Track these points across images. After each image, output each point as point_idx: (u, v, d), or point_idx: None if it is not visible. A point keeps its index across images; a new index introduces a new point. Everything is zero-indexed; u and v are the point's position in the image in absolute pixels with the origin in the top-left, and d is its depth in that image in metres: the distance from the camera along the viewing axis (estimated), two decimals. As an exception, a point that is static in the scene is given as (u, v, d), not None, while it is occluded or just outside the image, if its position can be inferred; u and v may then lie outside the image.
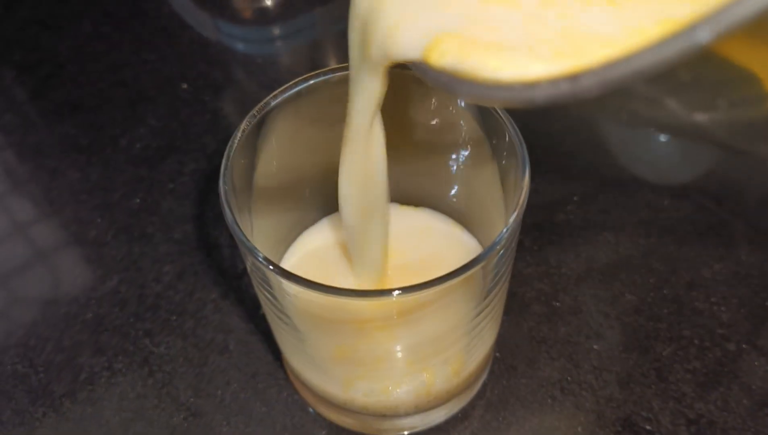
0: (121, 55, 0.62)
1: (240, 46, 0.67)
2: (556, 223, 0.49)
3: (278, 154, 0.35)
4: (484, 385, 0.42)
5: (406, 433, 0.40)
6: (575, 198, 0.50)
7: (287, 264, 0.40)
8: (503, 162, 0.33)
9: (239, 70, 0.63)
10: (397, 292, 0.26)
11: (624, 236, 0.48)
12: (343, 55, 0.28)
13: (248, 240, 0.28)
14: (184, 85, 0.59)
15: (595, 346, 0.43)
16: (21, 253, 0.49)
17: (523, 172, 0.30)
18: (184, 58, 0.61)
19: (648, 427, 0.40)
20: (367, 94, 0.24)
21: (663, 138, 0.55)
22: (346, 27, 0.24)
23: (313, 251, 0.39)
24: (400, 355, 0.33)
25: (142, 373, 0.43)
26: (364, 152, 0.27)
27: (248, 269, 0.32)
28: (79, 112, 0.57)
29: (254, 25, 0.68)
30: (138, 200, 0.51)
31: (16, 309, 0.46)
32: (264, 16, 0.68)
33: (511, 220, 0.28)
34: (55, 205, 0.51)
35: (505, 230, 0.28)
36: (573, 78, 0.18)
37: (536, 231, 0.48)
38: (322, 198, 0.38)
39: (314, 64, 0.64)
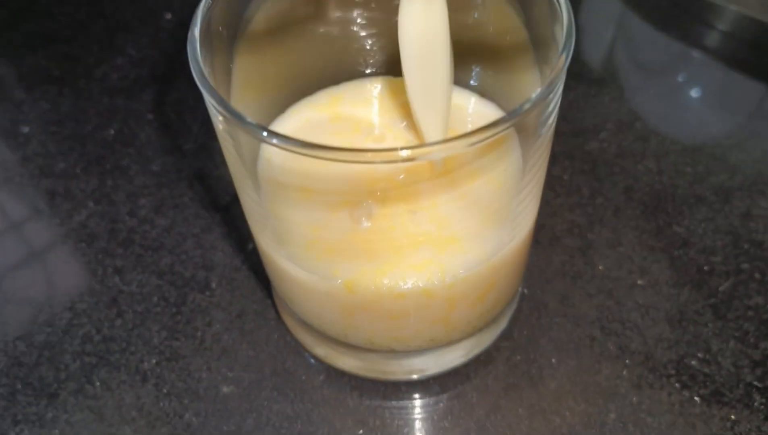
0: (101, -12, 0.56)
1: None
2: (588, 152, 0.43)
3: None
4: (510, 323, 0.35)
5: (415, 377, 0.33)
6: (609, 125, 0.44)
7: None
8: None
9: None
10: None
11: (667, 164, 0.42)
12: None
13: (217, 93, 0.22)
14: (168, 15, 0.53)
15: (639, 282, 0.37)
16: (-21, 189, 0.43)
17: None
18: (169, -11, 0.56)
19: (706, 370, 0.33)
20: None
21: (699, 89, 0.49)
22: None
23: (309, 120, 0.32)
24: (419, 233, 0.27)
25: (109, 314, 0.37)
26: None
27: (223, 147, 0.26)
28: (52, 44, 0.51)
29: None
30: (112, 131, 0.45)
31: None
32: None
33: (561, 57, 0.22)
34: (20, 137, 0.45)
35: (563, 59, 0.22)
36: None
37: (566, 160, 0.42)
38: (318, 70, 0.32)
39: None
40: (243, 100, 0.29)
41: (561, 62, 0.23)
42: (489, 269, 0.27)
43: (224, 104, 0.22)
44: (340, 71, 0.34)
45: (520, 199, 0.26)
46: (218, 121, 0.24)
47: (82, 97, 0.47)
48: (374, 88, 0.34)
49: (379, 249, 0.27)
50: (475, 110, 0.33)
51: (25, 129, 0.46)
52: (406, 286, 0.26)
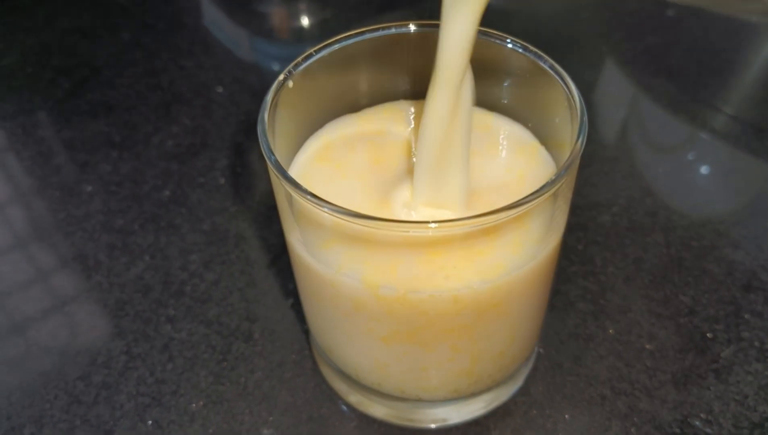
0: (158, 62, 0.62)
1: (276, 66, 0.67)
2: (601, 224, 0.47)
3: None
4: (527, 380, 0.38)
5: (433, 426, 0.36)
6: (620, 200, 0.48)
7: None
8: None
9: (276, 76, 0.62)
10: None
11: (675, 238, 0.45)
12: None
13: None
14: (219, 89, 0.58)
15: (647, 346, 0.40)
16: (47, 241, 0.48)
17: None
18: (220, 65, 0.61)
19: (708, 430, 0.36)
20: (462, 25, 0.25)
21: (706, 168, 0.53)
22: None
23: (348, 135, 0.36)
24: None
25: (161, 359, 0.40)
26: (455, 97, 0.26)
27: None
28: (113, 112, 0.57)
29: (290, 44, 0.68)
30: (167, 192, 0.50)
31: (36, 291, 0.44)
32: (300, 36, 0.68)
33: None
34: (84, 195, 0.50)
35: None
36: None
37: (580, 231, 0.46)
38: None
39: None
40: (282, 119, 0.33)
41: (577, 148, 0.27)
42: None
43: (290, 179, 0.26)
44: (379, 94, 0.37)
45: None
46: (280, 187, 0.28)
47: (140, 161, 0.52)
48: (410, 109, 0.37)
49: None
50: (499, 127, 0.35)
51: (88, 188, 0.50)
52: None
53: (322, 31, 0.68)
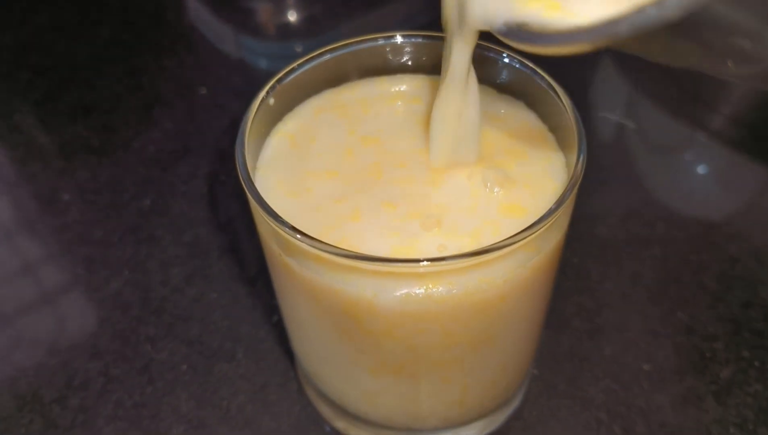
0: (139, 60, 0.60)
1: (263, 62, 0.65)
2: (597, 237, 0.45)
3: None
4: (521, 404, 0.37)
5: (430, 453, 0.35)
6: (617, 210, 0.47)
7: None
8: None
9: (261, 76, 0.60)
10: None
11: (673, 251, 0.44)
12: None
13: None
14: (203, 90, 0.56)
15: (644, 367, 0.39)
16: (23, 253, 0.46)
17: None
18: (204, 64, 0.59)
19: (707, 457, 0.35)
20: (462, 54, 0.27)
21: (703, 170, 0.52)
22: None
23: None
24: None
25: (141, 381, 0.39)
26: (461, 96, 0.28)
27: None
28: (92, 115, 0.55)
29: (277, 40, 0.66)
30: (148, 202, 0.48)
31: (9, 307, 0.43)
32: (287, 32, 0.66)
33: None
34: (61, 204, 0.48)
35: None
36: (659, 3, 0.17)
37: (576, 243, 0.44)
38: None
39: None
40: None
41: (579, 168, 0.26)
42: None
43: (270, 211, 0.25)
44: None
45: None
46: (260, 218, 0.27)
47: (120, 168, 0.50)
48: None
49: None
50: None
51: (65, 196, 0.48)
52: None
53: (310, 27, 0.66)
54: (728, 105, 0.57)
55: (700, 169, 0.52)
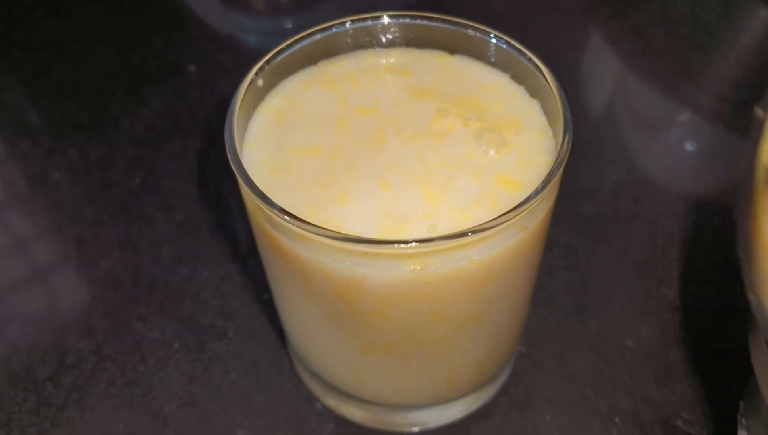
0: (127, 38, 0.59)
1: (252, 39, 0.64)
2: (584, 214, 0.45)
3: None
4: (508, 380, 0.38)
5: (418, 429, 0.36)
6: (605, 187, 0.47)
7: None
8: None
9: (251, 54, 0.60)
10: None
11: (659, 228, 0.45)
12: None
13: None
14: (192, 68, 0.56)
15: (629, 343, 0.39)
16: (12, 231, 0.46)
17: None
18: (193, 41, 0.59)
19: (690, 430, 0.36)
20: None
21: (690, 146, 0.52)
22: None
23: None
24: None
25: (133, 359, 0.39)
26: None
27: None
28: (81, 93, 0.54)
29: (266, 17, 0.66)
30: (138, 180, 0.48)
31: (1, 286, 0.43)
32: (276, 9, 0.66)
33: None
34: (51, 183, 0.48)
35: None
36: None
37: (563, 221, 0.45)
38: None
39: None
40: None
41: (564, 148, 0.26)
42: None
43: (260, 193, 0.25)
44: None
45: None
46: (249, 199, 0.27)
47: (110, 146, 0.50)
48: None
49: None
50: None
51: (55, 175, 0.48)
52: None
53: (299, 3, 0.65)
54: (716, 82, 0.57)
55: (688, 146, 0.52)
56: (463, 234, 0.23)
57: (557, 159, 0.26)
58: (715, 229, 0.44)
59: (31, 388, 0.38)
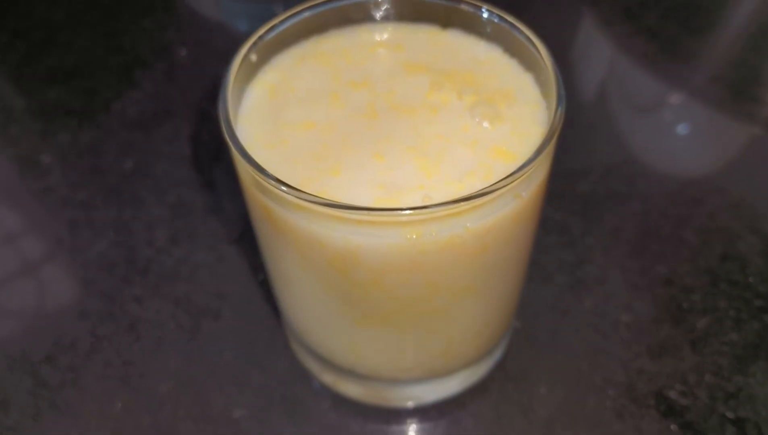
0: (118, 22, 0.59)
1: (242, 23, 0.64)
2: (579, 193, 0.46)
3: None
4: (503, 355, 0.38)
5: (415, 404, 0.36)
6: (599, 167, 0.47)
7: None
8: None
9: (241, 38, 0.60)
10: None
11: (652, 206, 0.45)
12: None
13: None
14: (183, 52, 0.56)
15: (623, 318, 0.39)
16: (4, 216, 0.46)
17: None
18: (183, 25, 0.58)
19: (683, 401, 0.36)
20: None
21: (683, 128, 0.52)
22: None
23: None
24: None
25: (128, 339, 0.39)
26: None
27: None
28: (72, 77, 0.54)
29: (256, 1, 0.66)
30: (131, 163, 0.48)
31: (-5, 271, 0.43)
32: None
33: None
34: (43, 167, 0.48)
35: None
36: None
37: (558, 200, 0.45)
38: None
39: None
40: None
41: (558, 117, 0.26)
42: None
43: (254, 164, 0.25)
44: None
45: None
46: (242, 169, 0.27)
47: (102, 130, 0.50)
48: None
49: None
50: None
51: (47, 159, 0.48)
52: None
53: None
54: (708, 64, 0.57)
55: (680, 127, 0.52)
56: (458, 200, 0.24)
57: (550, 128, 0.26)
58: (706, 207, 0.45)
59: (27, 369, 0.38)
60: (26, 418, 0.36)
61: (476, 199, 0.24)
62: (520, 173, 0.25)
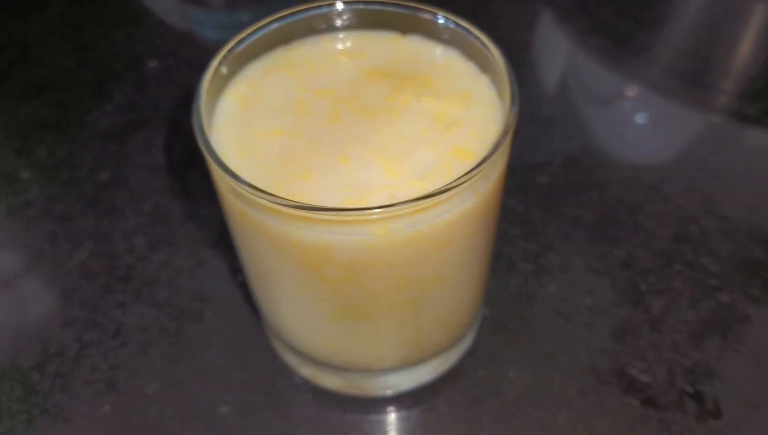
0: (87, 36, 0.60)
1: (210, 33, 0.66)
2: (539, 185, 0.48)
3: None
4: (473, 342, 0.40)
5: (391, 392, 0.38)
6: (558, 160, 0.49)
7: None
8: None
9: (210, 47, 0.61)
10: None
11: (608, 195, 0.47)
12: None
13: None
14: (153, 63, 0.57)
15: (585, 301, 0.42)
16: (-16, 231, 0.47)
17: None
18: (152, 37, 0.60)
19: (643, 378, 0.38)
20: None
21: (640, 119, 0.55)
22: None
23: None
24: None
25: (114, 344, 0.41)
26: None
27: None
28: (45, 93, 0.55)
29: (223, 10, 0.67)
30: (106, 175, 0.49)
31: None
32: (233, 2, 0.67)
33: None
34: (22, 183, 0.49)
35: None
36: None
37: (520, 192, 0.47)
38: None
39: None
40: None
41: (512, 117, 0.29)
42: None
43: (229, 171, 0.27)
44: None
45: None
46: (219, 178, 0.29)
47: (77, 144, 0.51)
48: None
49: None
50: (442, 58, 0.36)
51: (25, 174, 0.49)
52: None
53: (255, -5, 0.66)
54: (662, 55, 0.60)
55: (637, 117, 0.55)
56: (421, 198, 0.25)
57: (505, 127, 0.28)
58: (660, 193, 0.47)
59: (17, 377, 0.39)
60: (19, 424, 0.37)
61: (438, 196, 0.26)
62: (477, 170, 0.27)
